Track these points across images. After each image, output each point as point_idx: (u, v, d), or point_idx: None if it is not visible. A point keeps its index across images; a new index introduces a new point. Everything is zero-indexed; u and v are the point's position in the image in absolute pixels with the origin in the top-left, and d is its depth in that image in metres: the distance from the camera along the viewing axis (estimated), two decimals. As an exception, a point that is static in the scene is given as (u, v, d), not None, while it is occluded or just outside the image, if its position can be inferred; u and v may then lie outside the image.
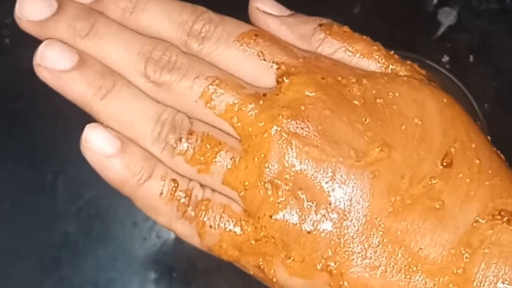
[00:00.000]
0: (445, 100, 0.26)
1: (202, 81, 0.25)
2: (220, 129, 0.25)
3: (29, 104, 0.57)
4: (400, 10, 0.61)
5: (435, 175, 0.24)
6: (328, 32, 0.27)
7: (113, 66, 0.26)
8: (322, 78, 0.25)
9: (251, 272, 0.26)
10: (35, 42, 0.65)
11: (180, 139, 0.25)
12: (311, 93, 0.25)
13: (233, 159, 0.25)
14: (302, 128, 0.24)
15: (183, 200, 0.25)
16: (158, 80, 0.25)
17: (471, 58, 0.56)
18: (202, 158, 0.25)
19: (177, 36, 0.26)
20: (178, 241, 0.52)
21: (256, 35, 0.26)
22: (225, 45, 0.26)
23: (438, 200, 0.24)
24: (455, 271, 0.24)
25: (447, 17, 0.60)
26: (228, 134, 0.25)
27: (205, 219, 0.25)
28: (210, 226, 0.25)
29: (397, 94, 0.25)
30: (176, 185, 0.25)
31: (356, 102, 0.25)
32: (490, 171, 0.25)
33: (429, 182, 0.24)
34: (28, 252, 0.52)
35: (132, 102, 0.25)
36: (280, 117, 0.24)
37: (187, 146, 0.25)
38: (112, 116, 0.25)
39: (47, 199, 0.54)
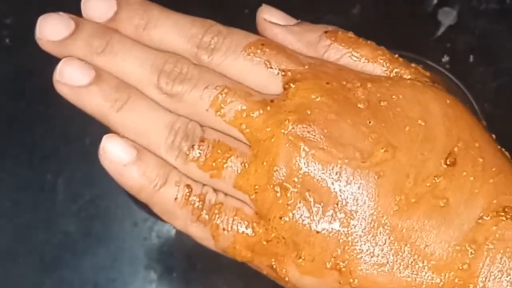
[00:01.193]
0: (448, 101, 0.26)
1: (211, 91, 0.26)
2: (230, 136, 0.26)
3: (29, 104, 0.57)
4: (400, 10, 0.61)
5: (439, 174, 0.25)
6: (333, 38, 0.28)
7: (128, 79, 0.27)
8: (327, 83, 0.26)
9: (265, 272, 0.27)
10: (35, 43, 0.65)
11: (193, 146, 0.26)
12: (316, 97, 0.26)
13: (243, 164, 0.26)
14: (309, 132, 0.25)
15: (197, 204, 0.26)
16: (171, 91, 0.26)
17: (471, 58, 0.56)
18: (214, 164, 0.26)
19: (188, 48, 0.27)
20: (178, 241, 0.52)
21: (262, 44, 0.27)
22: (233, 56, 0.27)
23: (443, 198, 0.25)
24: (460, 267, 0.24)
25: (447, 17, 0.60)
26: (238, 140, 0.26)
27: (219, 222, 0.26)
28: (224, 229, 0.26)
29: (401, 97, 0.26)
30: (190, 190, 0.26)
31: (360, 106, 0.26)
32: (494, 169, 0.25)
33: (433, 181, 0.25)
34: (28, 252, 0.52)
35: (146, 113, 0.27)
36: (287, 121, 0.25)
37: (199, 153, 0.26)
38: (128, 126, 0.27)
39: (47, 199, 0.54)
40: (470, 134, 0.26)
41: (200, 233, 0.27)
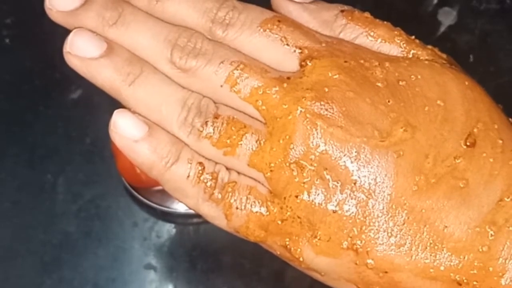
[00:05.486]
0: (466, 83, 0.26)
1: (227, 66, 0.25)
2: (245, 113, 0.26)
3: (29, 104, 0.57)
4: (400, 10, 0.61)
5: (459, 154, 0.25)
6: (349, 18, 0.27)
7: (140, 53, 0.26)
8: (345, 61, 0.25)
9: (278, 252, 0.26)
10: (35, 42, 0.65)
11: (206, 122, 0.25)
12: (334, 75, 0.25)
13: (258, 141, 0.25)
14: (326, 109, 0.25)
15: (209, 183, 0.25)
16: (184, 66, 0.26)
17: (471, 58, 0.56)
18: (228, 141, 0.25)
19: (202, 23, 0.26)
20: (179, 241, 0.52)
21: (279, 21, 0.26)
22: (248, 31, 0.26)
23: (462, 179, 0.24)
24: (480, 249, 0.24)
25: (447, 17, 0.60)
26: (253, 117, 0.26)
27: (232, 201, 0.25)
28: (237, 208, 0.25)
29: (419, 77, 0.26)
30: (202, 168, 0.25)
31: (379, 84, 0.25)
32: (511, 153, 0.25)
33: (453, 162, 0.25)
34: (28, 252, 0.52)
35: (159, 87, 0.26)
36: (304, 99, 0.25)
37: (213, 130, 0.25)
38: (140, 101, 0.26)
39: (47, 199, 0.54)
40: (489, 116, 0.26)
41: (212, 212, 0.26)
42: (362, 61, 0.26)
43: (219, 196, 0.25)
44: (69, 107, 0.57)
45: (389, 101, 0.25)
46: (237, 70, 0.25)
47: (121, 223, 0.53)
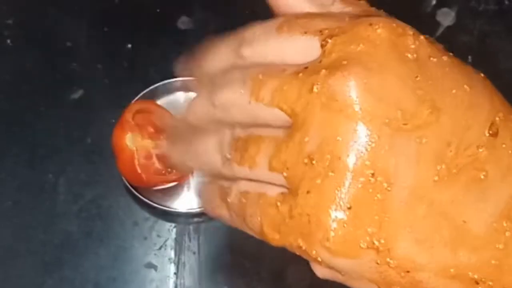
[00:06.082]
0: (482, 75, 0.25)
1: (248, 83, 0.25)
2: (275, 120, 0.25)
3: (30, 104, 0.57)
4: (399, 11, 0.61)
5: (482, 144, 0.23)
6: (346, 2, 0.26)
7: None
8: (370, 25, 0.23)
9: (299, 254, 0.25)
10: (36, 43, 0.66)
11: (233, 150, 0.26)
12: (357, 47, 0.23)
13: (276, 145, 0.24)
14: (342, 85, 0.22)
15: (231, 200, 0.27)
16: (215, 102, 0.26)
17: (470, 58, 0.56)
18: (249, 157, 0.25)
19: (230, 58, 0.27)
20: (179, 240, 0.53)
21: (291, 19, 0.25)
22: (265, 39, 0.26)
23: (483, 170, 0.23)
24: (497, 246, 0.23)
25: (446, 18, 0.60)
26: (279, 124, 0.25)
27: (246, 209, 0.26)
28: (251, 215, 0.25)
29: (449, 59, 0.24)
30: (227, 191, 0.27)
31: (409, 56, 0.23)
32: None
33: (475, 151, 0.23)
34: (29, 252, 0.52)
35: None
36: (318, 82, 0.23)
37: (236, 153, 0.26)
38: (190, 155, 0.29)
39: (48, 199, 0.54)
40: (505, 107, 0.25)
41: (234, 223, 0.27)
42: (394, 25, 0.24)
43: (237, 208, 0.26)
44: (70, 107, 0.58)
45: (417, 77, 0.23)
46: (257, 81, 0.25)
47: (122, 223, 0.53)
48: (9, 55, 0.59)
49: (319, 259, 0.24)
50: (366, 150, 0.22)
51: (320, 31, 0.24)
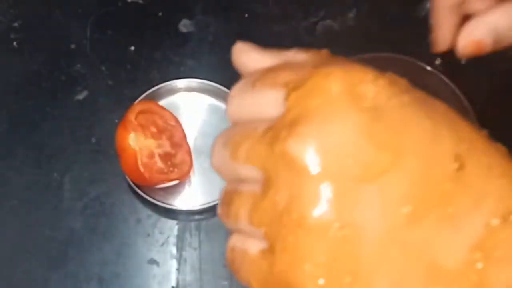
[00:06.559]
0: (439, 102, 0.25)
1: (228, 145, 0.26)
2: (252, 176, 0.25)
3: (36, 105, 0.58)
4: (394, 15, 0.62)
5: (448, 178, 0.23)
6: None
7: None
8: (326, 75, 0.24)
9: None
10: (42, 45, 0.66)
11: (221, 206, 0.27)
12: (314, 100, 0.23)
13: (254, 201, 0.24)
14: (301, 147, 0.23)
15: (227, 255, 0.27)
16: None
17: (463, 60, 0.57)
18: (231, 211, 0.26)
19: None
20: (180, 237, 0.53)
21: (264, 72, 0.26)
22: (242, 96, 0.26)
23: (452, 204, 0.23)
24: (471, 279, 0.23)
25: (441, 21, 0.61)
26: (256, 180, 0.25)
27: (235, 264, 0.26)
28: (238, 270, 0.26)
29: (409, 96, 0.24)
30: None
31: (365, 104, 0.23)
32: (498, 170, 0.24)
33: (442, 186, 0.23)
34: (35, 248, 0.53)
35: None
36: (280, 142, 0.23)
37: (222, 207, 0.27)
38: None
39: (53, 197, 0.55)
40: (471, 132, 0.24)
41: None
42: (352, 73, 0.24)
43: (230, 263, 0.26)
44: (75, 108, 0.58)
45: (374, 124, 0.23)
46: (234, 142, 0.26)
47: (125, 220, 0.54)
48: (15, 57, 0.60)
49: None
50: (331, 206, 0.22)
51: (286, 84, 0.24)
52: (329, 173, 0.22)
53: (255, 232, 0.24)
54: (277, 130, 0.24)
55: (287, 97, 0.24)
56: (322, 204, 0.22)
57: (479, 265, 0.22)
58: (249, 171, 0.25)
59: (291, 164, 0.23)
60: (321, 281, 0.23)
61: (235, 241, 0.26)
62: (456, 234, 0.23)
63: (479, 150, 0.24)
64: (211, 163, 0.28)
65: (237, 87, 0.27)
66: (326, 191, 0.22)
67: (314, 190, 0.22)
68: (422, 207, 0.23)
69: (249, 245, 0.25)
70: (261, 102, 0.25)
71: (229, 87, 0.49)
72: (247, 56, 0.28)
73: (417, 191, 0.23)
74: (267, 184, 0.24)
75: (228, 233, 0.28)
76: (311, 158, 0.22)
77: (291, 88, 0.24)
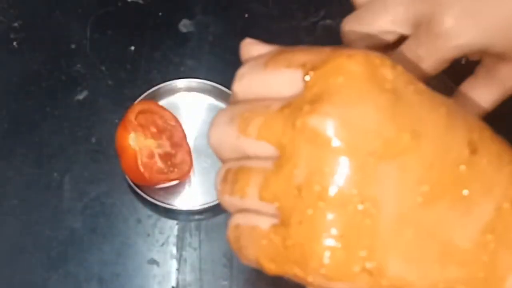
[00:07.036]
0: (449, 99, 0.26)
1: (236, 121, 0.26)
2: (264, 152, 0.25)
3: (36, 105, 0.58)
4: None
5: (462, 162, 0.24)
6: None
7: None
8: (349, 56, 0.24)
9: (295, 280, 0.25)
10: (42, 45, 0.66)
11: (222, 182, 0.27)
12: (336, 79, 0.24)
13: (265, 177, 0.25)
14: (324, 123, 0.23)
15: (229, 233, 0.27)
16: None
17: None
18: (236, 188, 0.26)
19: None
20: (181, 237, 0.53)
21: (276, 54, 0.26)
22: (256, 74, 0.27)
23: (466, 187, 0.24)
24: (483, 259, 0.24)
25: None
26: (267, 156, 0.25)
27: (241, 242, 0.26)
28: (245, 247, 0.26)
29: (424, 86, 0.25)
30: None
31: (386, 86, 0.24)
32: (507, 157, 0.25)
33: (457, 169, 0.24)
34: (35, 247, 0.53)
35: None
36: (301, 118, 0.24)
37: (226, 185, 0.27)
38: None
39: (54, 196, 0.55)
40: (480, 124, 0.25)
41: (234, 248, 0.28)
42: (372, 57, 0.24)
43: (233, 236, 0.26)
44: (75, 108, 0.58)
45: (395, 105, 0.24)
46: (243, 119, 0.26)
47: (125, 220, 0.54)
48: (16, 57, 0.60)
49: (315, 284, 0.24)
50: (352, 180, 0.23)
51: (303, 64, 0.25)
52: (351, 147, 0.23)
53: (266, 208, 0.25)
54: (297, 107, 0.24)
55: (306, 76, 0.24)
56: (343, 177, 0.23)
57: (490, 247, 0.24)
58: (260, 147, 0.25)
59: (313, 138, 0.23)
60: (337, 253, 0.23)
61: (239, 219, 0.26)
62: (469, 216, 0.24)
63: (488, 139, 0.25)
64: (208, 141, 0.27)
65: (247, 67, 0.27)
66: (347, 165, 0.23)
67: (335, 164, 0.23)
68: (437, 188, 0.23)
69: (257, 222, 0.25)
70: (274, 82, 0.26)
71: (229, 87, 0.49)
72: (257, 50, 0.28)
73: (434, 172, 0.23)
74: (282, 159, 0.24)
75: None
76: (334, 132, 0.23)
77: (310, 68, 0.25)
